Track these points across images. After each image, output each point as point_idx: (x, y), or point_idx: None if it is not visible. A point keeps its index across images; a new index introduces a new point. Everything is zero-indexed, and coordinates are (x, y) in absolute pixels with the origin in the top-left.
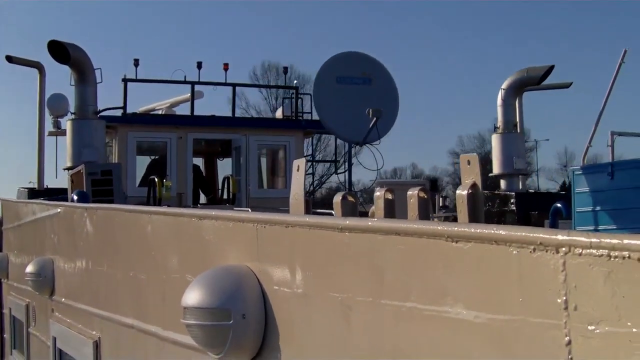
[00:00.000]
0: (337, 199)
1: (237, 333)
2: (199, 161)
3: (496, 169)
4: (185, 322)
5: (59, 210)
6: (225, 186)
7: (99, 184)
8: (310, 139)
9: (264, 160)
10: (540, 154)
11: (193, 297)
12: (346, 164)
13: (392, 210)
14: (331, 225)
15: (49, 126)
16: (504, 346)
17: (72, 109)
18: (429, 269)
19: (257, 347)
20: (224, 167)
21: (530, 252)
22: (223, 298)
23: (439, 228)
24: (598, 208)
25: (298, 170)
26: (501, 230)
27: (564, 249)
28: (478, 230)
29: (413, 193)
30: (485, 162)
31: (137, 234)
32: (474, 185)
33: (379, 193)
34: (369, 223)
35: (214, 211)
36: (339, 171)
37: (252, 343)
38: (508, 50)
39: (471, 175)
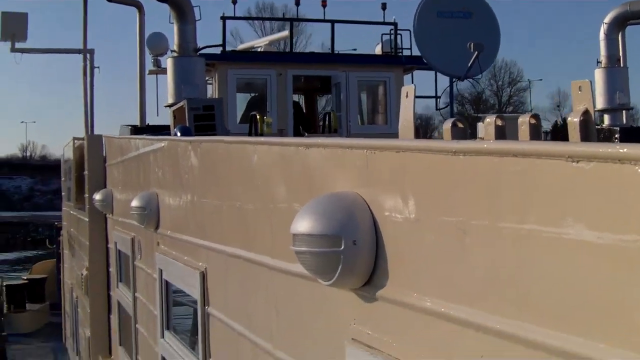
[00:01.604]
0: (447, 125)
1: (348, 259)
2: (298, 98)
3: (599, 103)
4: (295, 249)
5: (162, 144)
6: (326, 122)
7: (201, 119)
8: (410, 75)
9: (363, 97)
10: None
11: (303, 223)
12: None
13: (503, 137)
14: (445, 149)
15: (149, 65)
16: (629, 267)
17: (171, 47)
18: (548, 190)
19: (368, 274)
20: (324, 104)
21: None
22: (333, 224)
23: (559, 148)
24: None
25: (407, 96)
26: (625, 149)
27: None
28: (601, 150)
29: (524, 119)
30: (475, 102)
31: (243, 165)
32: (586, 112)
33: (489, 119)
34: (485, 145)
35: (321, 139)
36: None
37: (363, 269)
38: None
39: (583, 101)
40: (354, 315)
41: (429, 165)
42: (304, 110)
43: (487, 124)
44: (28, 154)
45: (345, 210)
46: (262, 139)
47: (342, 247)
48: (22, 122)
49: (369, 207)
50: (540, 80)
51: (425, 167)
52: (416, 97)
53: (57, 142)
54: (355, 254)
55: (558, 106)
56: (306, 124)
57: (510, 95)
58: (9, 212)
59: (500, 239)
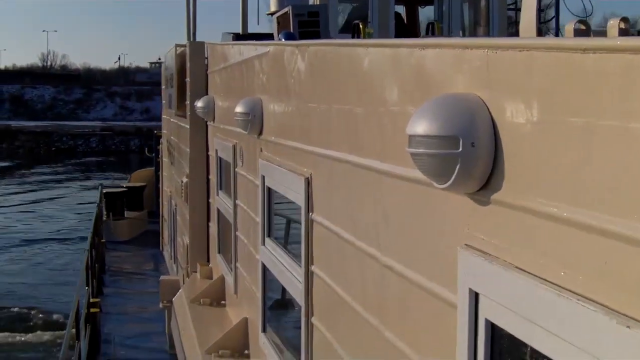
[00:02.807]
0: (570, 26)
1: (466, 162)
2: (400, 9)
3: None
4: (410, 151)
5: (267, 49)
6: (429, 32)
7: (306, 26)
8: None
9: (465, 8)
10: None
11: (420, 124)
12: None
13: None
14: (574, 47)
15: None
16: None
17: None
18: None
19: (486, 177)
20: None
21: None
22: (451, 125)
23: None
24: None
25: None
26: None
27: None
28: None
29: None
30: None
31: (353, 68)
32: None
33: (612, 22)
34: (618, 42)
35: (437, 39)
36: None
37: (481, 172)
38: None
39: None
40: (468, 221)
41: (556, 64)
42: (405, 21)
43: (611, 27)
44: (48, 63)
45: (463, 112)
46: (374, 40)
47: (460, 149)
48: (44, 31)
49: (488, 108)
50: None
51: (551, 66)
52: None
53: (78, 51)
54: (473, 156)
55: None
56: (407, 35)
57: None
58: (32, 121)
59: (630, 140)
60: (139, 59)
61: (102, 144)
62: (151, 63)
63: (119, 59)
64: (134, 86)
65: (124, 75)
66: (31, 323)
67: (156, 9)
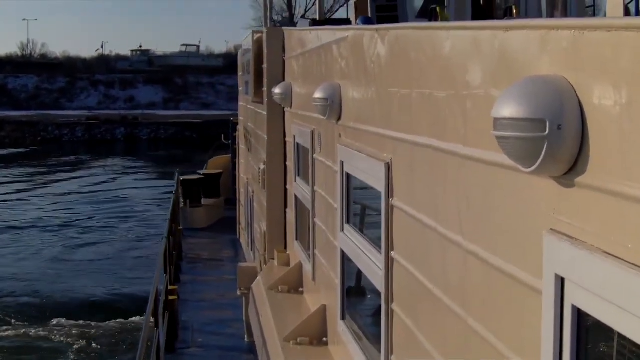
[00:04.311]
0: None
1: (552, 145)
2: None
3: None
4: (496, 134)
5: (346, 34)
6: (507, 16)
7: (384, 10)
8: None
9: None
10: None
11: (505, 107)
12: None
13: None
14: None
15: None
16: None
17: None
18: None
19: (572, 161)
20: None
21: None
22: (537, 108)
23: None
24: None
25: None
26: None
27: None
28: None
29: None
30: None
31: (434, 52)
32: None
33: None
34: None
35: (522, 21)
36: None
37: (567, 156)
38: None
39: None
40: (554, 205)
41: None
42: (482, 4)
43: None
44: (28, 52)
45: (549, 94)
46: (456, 23)
47: (547, 132)
48: (24, 19)
49: (575, 90)
50: None
51: None
52: None
53: (57, 40)
54: (560, 139)
55: None
56: (484, 19)
57: None
58: (16, 111)
59: None
60: (118, 47)
61: (88, 133)
62: (132, 51)
63: (102, 46)
64: (117, 74)
65: (105, 63)
66: (99, 312)
67: None
